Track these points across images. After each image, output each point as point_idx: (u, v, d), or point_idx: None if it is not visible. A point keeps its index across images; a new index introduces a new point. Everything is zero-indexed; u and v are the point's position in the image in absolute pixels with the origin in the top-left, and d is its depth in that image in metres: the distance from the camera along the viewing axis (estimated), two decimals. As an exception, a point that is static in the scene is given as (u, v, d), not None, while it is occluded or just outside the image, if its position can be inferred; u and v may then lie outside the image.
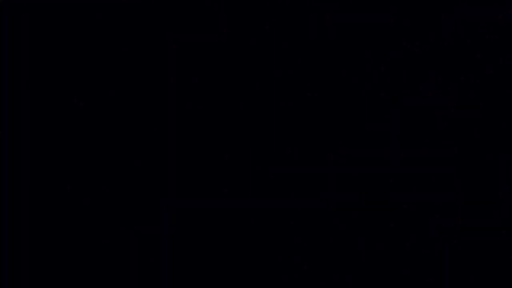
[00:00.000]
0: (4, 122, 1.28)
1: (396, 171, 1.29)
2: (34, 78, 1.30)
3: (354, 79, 1.32)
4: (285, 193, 1.30)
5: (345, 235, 1.28)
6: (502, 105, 1.30)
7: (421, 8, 1.33)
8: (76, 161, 1.29)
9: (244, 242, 1.28)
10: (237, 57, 1.32)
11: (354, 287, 1.26)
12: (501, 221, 1.27)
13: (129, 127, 1.30)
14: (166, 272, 1.26)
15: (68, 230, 1.27)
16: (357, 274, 1.27)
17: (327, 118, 1.32)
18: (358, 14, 1.33)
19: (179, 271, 1.26)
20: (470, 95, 1.31)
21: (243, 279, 1.27)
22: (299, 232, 1.29)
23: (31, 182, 1.28)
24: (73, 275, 1.25)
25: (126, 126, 1.30)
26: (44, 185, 1.28)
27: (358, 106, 1.32)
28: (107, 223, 1.27)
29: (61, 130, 1.29)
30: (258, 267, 1.27)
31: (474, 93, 1.31)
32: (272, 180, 1.30)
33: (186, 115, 1.31)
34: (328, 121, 1.32)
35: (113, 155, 1.30)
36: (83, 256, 1.26)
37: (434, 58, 1.33)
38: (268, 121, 1.32)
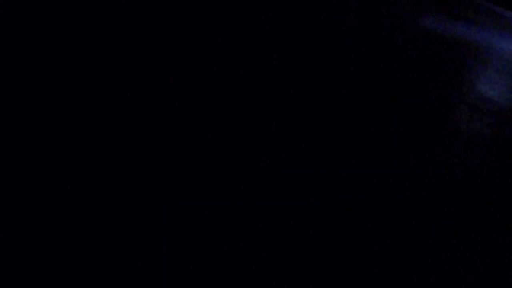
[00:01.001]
0: (4, 122, 1.28)
1: (396, 171, 1.30)
2: (34, 78, 1.30)
3: (354, 79, 1.32)
4: (285, 193, 1.30)
5: (345, 235, 1.28)
6: (502, 104, 1.30)
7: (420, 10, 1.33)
8: (76, 161, 1.29)
9: (244, 242, 1.28)
10: (237, 57, 1.32)
11: (354, 287, 1.26)
12: (501, 221, 1.27)
13: (129, 127, 1.30)
14: (166, 272, 1.26)
15: (68, 230, 1.27)
16: (357, 274, 1.27)
17: (327, 118, 1.32)
18: (358, 14, 1.33)
19: (179, 271, 1.26)
20: (470, 95, 1.31)
21: (243, 279, 1.26)
22: (299, 232, 1.29)
23: (31, 182, 1.28)
24: (73, 275, 1.25)
25: (126, 126, 1.30)
26: (44, 185, 1.28)
27: (358, 106, 1.32)
28: (107, 223, 1.27)
29: (61, 130, 1.29)
30: (258, 267, 1.27)
31: (473, 94, 1.31)
32: (272, 180, 1.30)
33: (186, 115, 1.31)
34: (327, 121, 1.32)
35: (113, 155, 1.29)
36: (83, 256, 1.26)
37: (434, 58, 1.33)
38: (268, 121, 1.32)
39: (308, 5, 1.32)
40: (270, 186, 1.30)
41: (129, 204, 1.28)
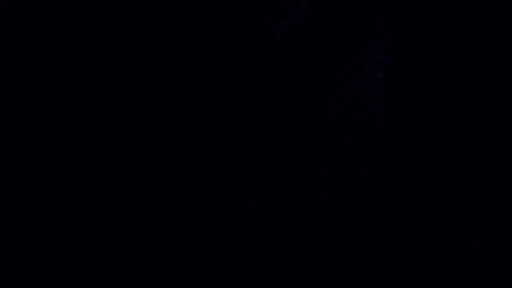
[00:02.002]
0: (4, 122, 1.28)
1: (394, 171, 1.29)
2: (34, 78, 1.30)
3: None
4: (285, 193, 1.30)
5: (345, 235, 1.28)
6: (502, 104, 1.30)
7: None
8: (76, 161, 1.29)
9: (244, 242, 1.28)
10: (237, 56, 1.32)
11: (354, 287, 1.26)
12: (500, 220, 1.27)
13: (129, 127, 1.30)
14: (166, 272, 1.26)
15: (68, 230, 1.27)
16: (357, 274, 1.27)
17: (326, 117, 1.32)
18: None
19: (179, 271, 1.26)
20: (468, 94, 1.31)
21: (243, 279, 1.27)
22: (299, 232, 1.29)
23: (31, 182, 1.28)
24: (73, 275, 1.25)
25: (126, 126, 1.30)
26: (44, 185, 1.28)
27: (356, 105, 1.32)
28: (107, 223, 1.27)
29: (61, 130, 1.29)
30: (258, 267, 1.27)
31: (472, 92, 1.31)
32: (272, 180, 1.30)
33: (186, 115, 1.31)
34: (326, 120, 1.32)
35: (113, 155, 1.30)
36: (83, 256, 1.26)
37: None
38: (268, 121, 1.32)
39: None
40: (270, 186, 1.30)
41: (130, 204, 1.28)
